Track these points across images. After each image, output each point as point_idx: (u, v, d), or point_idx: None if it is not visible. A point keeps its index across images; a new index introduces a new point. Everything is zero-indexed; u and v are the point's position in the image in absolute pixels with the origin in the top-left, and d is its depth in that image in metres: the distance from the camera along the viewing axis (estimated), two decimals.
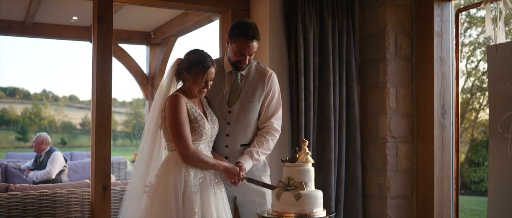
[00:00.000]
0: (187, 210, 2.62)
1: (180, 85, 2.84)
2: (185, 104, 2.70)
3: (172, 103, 2.68)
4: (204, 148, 2.77)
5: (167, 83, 2.81)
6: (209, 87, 2.79)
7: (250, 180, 2.88)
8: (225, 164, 2.80)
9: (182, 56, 2.82)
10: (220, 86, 2.95)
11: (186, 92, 2.78)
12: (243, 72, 2.99)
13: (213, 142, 2.87)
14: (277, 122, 3.04)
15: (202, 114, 2.77)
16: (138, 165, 2.87)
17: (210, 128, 2.79)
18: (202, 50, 2.81)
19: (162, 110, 2.74)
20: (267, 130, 2.99)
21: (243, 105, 2.96)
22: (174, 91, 2.81)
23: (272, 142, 2.99)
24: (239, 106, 2.95)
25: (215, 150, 2.93)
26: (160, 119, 2.77)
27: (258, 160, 2.94)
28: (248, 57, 2.90)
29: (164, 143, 2.82)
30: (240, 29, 2.86)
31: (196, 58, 2.74)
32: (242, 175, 2.80)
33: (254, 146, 2.93)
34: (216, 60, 2.99)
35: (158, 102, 2.80)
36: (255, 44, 2.89)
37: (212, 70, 2.76)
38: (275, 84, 3.06)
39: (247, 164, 2.86)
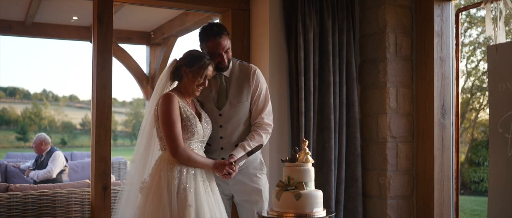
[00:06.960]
0: (181, 206, 2.62)
1: (174, 86, 2.86)
2: (178, 103, 2.72)
3: (165, 102, 2.70)
4: (196, 147, 2.78)
5: (162, 83, 2.84)
6: (206, 84, 2.81)
7: (242, 157, 2.81)
8: (213, 160, 2.79)
9: (178, 58, 2.85)
10: (207, 92, 2.96)
11: (181, 91, 2.80)
12: (226, 74, 2.99)
13: (205, 142, 2.88)
14: (268, 117, 3.03)
15: (194, 113, 2.79)
16: (134, 164, 2.90)
17: (202, 127, 2.80)
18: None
19: (155, 109, 2.76)
20: (259, 124, 2.99)
21: (232, 106, 2.96)
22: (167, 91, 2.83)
23: (264, 135, 2.98)
24: (229, 108, 2.96)
25: (211, 153, 2.94)
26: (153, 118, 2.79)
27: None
28: (225, 55, 2.90)
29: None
30: (205, 31, 2.90)
31: (198, 54, 2.81)
32: (231, 162, 2.75)
33: (247, 140, 2.93)
34: None
35: (153, 101, 2.83)
36: (225, 39, 2.89)
37: (211, 68, 2.81)
38: (260, 80, 3.04)
39: (239, 154, 2.84)
